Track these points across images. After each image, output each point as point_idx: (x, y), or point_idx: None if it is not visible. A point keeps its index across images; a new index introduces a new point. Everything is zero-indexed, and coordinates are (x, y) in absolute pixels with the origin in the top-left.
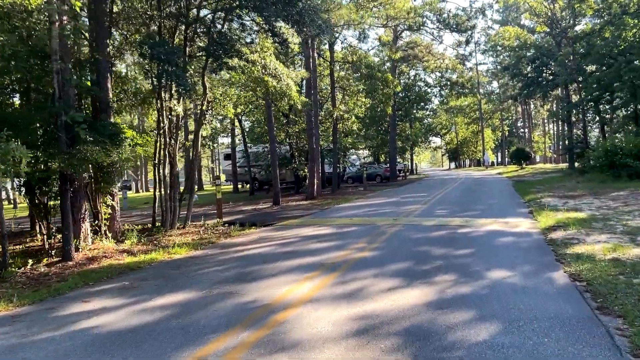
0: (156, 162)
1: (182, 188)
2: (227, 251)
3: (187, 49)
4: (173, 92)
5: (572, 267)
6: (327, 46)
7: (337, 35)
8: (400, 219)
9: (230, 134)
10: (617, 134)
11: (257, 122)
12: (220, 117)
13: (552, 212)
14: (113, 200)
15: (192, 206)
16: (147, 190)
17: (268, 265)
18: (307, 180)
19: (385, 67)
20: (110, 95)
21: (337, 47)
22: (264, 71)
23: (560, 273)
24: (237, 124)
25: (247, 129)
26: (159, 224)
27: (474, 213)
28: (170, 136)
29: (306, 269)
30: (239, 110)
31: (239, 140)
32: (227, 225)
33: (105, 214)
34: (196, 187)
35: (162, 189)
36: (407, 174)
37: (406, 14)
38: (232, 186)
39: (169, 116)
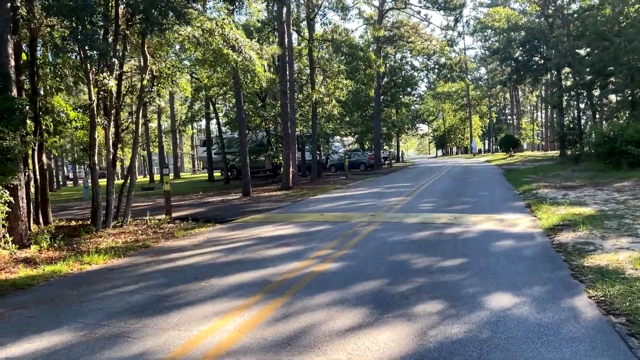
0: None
1: (156, 177)
2: (157, 260)
3: (120, 10)
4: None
5: (598, 289)
6: (305, 23)
7: (315, 10)
8: (378, 215)
9: (205, 118)
10: (608, 120)
11: (233, 106)
12: (193, 100)
13: (552, 207)
14: (15, 194)
15: (131, 199)
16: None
17: (197, 284)
18: (282, 169)
19: (370, 49)
20: (13, 63)
21: (318, 27)
22: (222, 43)
23: (584, 299)
24: (211, 108)
25: (222, 113)
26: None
27: (464, 207)
28: (108, 117)
29: (245, 290)
30: (211, 93)
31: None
32: (177, 221)
33: (1, 213)
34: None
35: (92, 180)
36: (393, 161)
37: None
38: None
39: (102, 93)
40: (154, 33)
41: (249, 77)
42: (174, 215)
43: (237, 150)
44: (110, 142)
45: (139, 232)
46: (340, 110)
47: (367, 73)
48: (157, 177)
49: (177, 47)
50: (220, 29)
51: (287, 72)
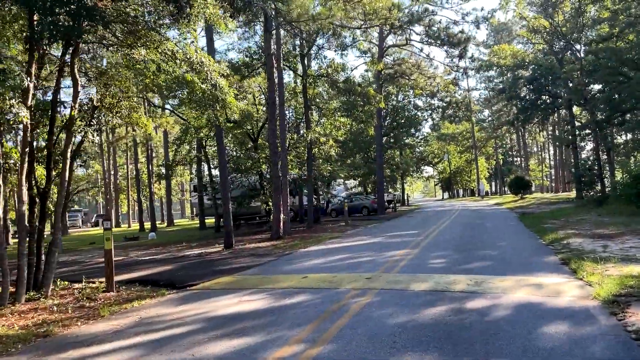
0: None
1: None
2: None
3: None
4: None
5: None
6: (299, 59)
7: (309, 45)
8: (376, 278)
9: (197, 162)
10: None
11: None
12: (180, 142)
13: (598, 265)
14: None
15: (54, 261)
16: (119, 225)
17: None
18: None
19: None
20: None
21: (314, 64)
22: (186, 68)
23: None
24: (202, 151)
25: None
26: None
27: (484, 265)
28: (22, 157)
29: None
30: (201, 135)
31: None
32: (121, 287)
33: None
34: (165, 222)
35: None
36: (398, 205)
37: (387, 12)
38: (199, 222)
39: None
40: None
41: (218, 108)
42: (125, 277)
43: (234, 196)
44: (24, 188)
45: (58, 308)
46: (339, 150)
47: (366, 110)
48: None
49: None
50: (181, 51)
51: (277, 110)
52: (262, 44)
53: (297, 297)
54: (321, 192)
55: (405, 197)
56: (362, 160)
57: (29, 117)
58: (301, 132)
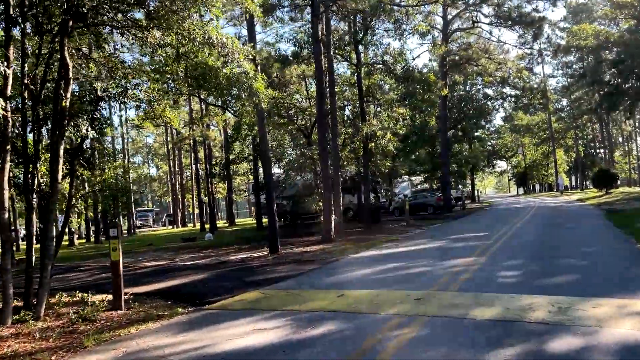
0: None
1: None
2: None
3: None
4: None
5: None
6: (352, 46)
7: (363, 31)
8: (429, 299)
9: (253, 160)
10: None
11: (278, 145)
12: (233, 140)
13: None
14: None
15: (47, 276)
16: (185, 224)
17: None
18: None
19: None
20: None
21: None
22: (206, 49)
23: None
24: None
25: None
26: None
27: (568, 279)
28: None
29: None
30: (254, 132)
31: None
32: (133, 304)
33: None
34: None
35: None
36: (467, 202)
37: None
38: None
39: None
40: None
41: (244, 96)
42: (151, 288)
43: (288, 195)
44: (5, 192)
45: (43, 333)
46: (398, 144)
47: (426, 98)
48: (222, 222)
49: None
50: (199, 30)
51: (328, 102)
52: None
53: (324, 325)
54: (381, 190)
55: (476, 194)
56: (427, 155)
57: (9, 110)
58: (359, 125)
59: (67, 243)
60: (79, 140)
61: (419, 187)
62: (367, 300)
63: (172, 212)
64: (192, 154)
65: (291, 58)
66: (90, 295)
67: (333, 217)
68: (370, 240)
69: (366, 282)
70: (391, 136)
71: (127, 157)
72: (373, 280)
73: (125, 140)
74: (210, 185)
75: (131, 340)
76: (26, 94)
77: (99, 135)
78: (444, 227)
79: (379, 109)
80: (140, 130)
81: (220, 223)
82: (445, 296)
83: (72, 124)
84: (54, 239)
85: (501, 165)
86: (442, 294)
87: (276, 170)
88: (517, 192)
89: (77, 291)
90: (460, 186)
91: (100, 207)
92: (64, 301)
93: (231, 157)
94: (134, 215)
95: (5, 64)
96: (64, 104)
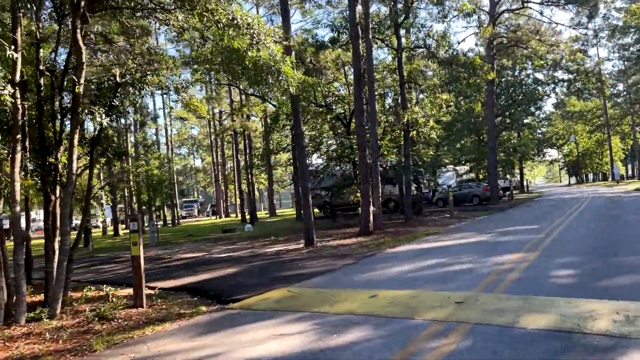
0: None
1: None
2: None
3: None
4: None
5: None
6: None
7: (405, 13)
8: (471, 303)
9: (292, 149)
10: None
11: (318, 134)
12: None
13: None
14: None
15: (63, 272)
16: (227, 214)
17: None
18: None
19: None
20: None
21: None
22: (230, 31)
23: None
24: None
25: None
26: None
27: (634, 280)
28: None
29: None
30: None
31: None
32: (155, 300)
33: None
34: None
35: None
36: (516, 192)
37: None
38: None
39: None
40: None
41: (271, 81)
42: (179, 282)
43: (327, 186)
44: (17, 184)
45: (55, 334)
46: (441, 132)
47: (472, 82)
48: (262, 214)
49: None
50: (223, 11)
51: (367, 87)
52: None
53: (352, 332)
54: (424, 180)
55: (525, 183)
56: (472, 144)
57: (19, 97)
58: (400, 112)
59: (112, 233)
60: (97, 129)
61: (464, 177)
62: (401, 303)
63: (215, 203)
64: (234, 145)
65: (328, 44)
66: (116, 289)
67: (371, 208)
68: (411, 233)
69: (402, 281)
70: (434, 124)
71: (171, 148)
72: (409, 279)
73: (169, 133)
74: (250, 176)
75: (143, 343)
76: (42, 81)
77: (141, 126)
78: (490, 219)
79: (421, 95)
80: (184, 121)
81: (261, 214)
82: (491, 299)
83: (86, 111)
84: (69, 233)
85: (552, 154)
86: (487, 297)
87: (316, 160)
88: (569, 181)
89: (105, 285)
90: (508, 176)
91: (144, 197)
92: (89, 296)
93: (270, 147)
94: (179, 206)
95: (13, 47)
96: (77, 91)
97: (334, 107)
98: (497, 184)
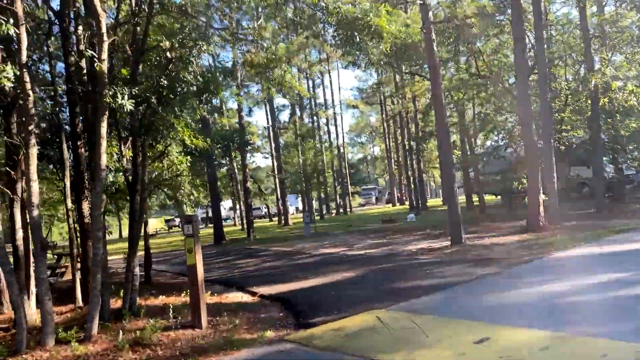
0: None
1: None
2: None
3: None
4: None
5: None
6: None
7: None
8: None
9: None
10: None
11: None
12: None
13: None
14: None
15: (97, 287)
16: (402, 202)
17: None
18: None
19: None
20: None
21: None
22: None
23: None
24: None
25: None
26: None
27: None
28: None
29: None
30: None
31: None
32: (219, 318)
33: None
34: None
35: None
36: None
37: None
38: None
39: None
40: None
41: (365, 38)
42: (286, 288)
43: (495, 170)
44: (34, 184)
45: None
46: None
47: None
48: (433, 201)
49: None
50: None
51: (532, 50)
52: None
53: None
54: (626, 160)
55: None
56: None
57: (27, 80)
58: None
59: (282, 223)
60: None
61: None
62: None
63: (389, 191)
64: (400, 130)
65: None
66: (213, 295)
67: (541, 197)
68: (598, 228)
69: (548, 310)
70: (634, 87)
71: (337, 136)
72: (562, 306)
73: (333, 121)
74: (412, 162)
75: None
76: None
77: (209, 115)
78: None
79: (613, 55)
80: (356, 109)
81: (433, 202)
82: None
83: (110, 93)
84: (102, 240)
85: None
86: None
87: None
88: None
89: (219, 285)
90: None
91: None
92: (155, 305)
93: (426, 129)
94: (351, 194)
95: (12, 21)
96: (98, 68)
97: (502, 76)
98: None
